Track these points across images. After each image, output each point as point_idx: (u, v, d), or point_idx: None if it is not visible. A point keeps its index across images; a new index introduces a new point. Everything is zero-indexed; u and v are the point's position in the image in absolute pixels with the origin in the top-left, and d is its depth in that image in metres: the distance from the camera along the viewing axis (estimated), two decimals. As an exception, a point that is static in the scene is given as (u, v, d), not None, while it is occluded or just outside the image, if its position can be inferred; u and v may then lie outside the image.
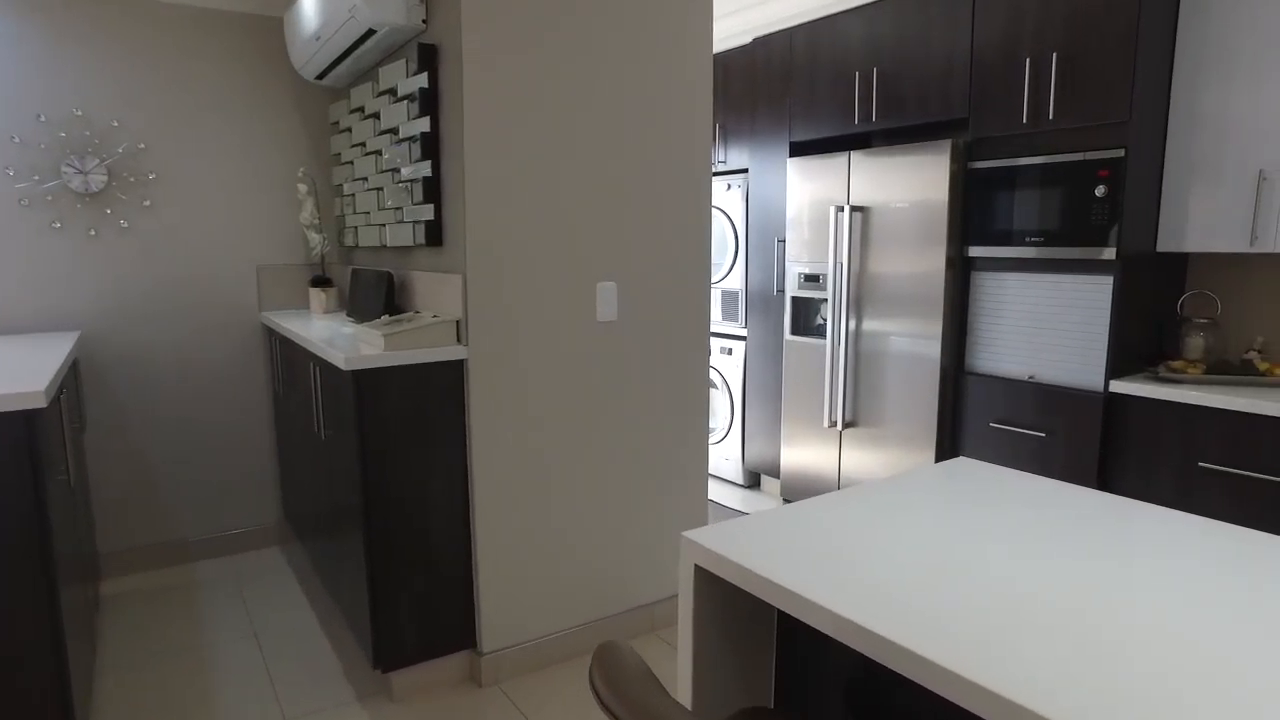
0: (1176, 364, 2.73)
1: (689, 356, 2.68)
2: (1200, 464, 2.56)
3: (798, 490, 3.88)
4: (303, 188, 3.23)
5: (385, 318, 2.36)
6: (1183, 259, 3.02)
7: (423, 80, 2.24)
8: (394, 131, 2.51)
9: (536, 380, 2.34)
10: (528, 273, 2.29)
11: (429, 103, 2.25)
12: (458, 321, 2.23)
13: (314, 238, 3.28)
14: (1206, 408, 2.53)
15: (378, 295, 2.62)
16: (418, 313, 2.39)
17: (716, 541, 1.23)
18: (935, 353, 3.18)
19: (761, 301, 4.10)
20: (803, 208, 3.71)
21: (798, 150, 3.88)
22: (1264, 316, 2.87)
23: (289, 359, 2.97)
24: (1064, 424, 2.87)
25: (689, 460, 2.74)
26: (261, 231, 3.33)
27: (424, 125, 2.27)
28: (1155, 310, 2.92)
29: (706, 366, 2.74)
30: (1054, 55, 2.77)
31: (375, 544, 2.16)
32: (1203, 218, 2.74)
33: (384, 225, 2.67)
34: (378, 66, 2.68)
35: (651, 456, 2.64)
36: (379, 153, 2.65)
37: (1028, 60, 2.86)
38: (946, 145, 3.06)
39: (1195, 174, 2.74)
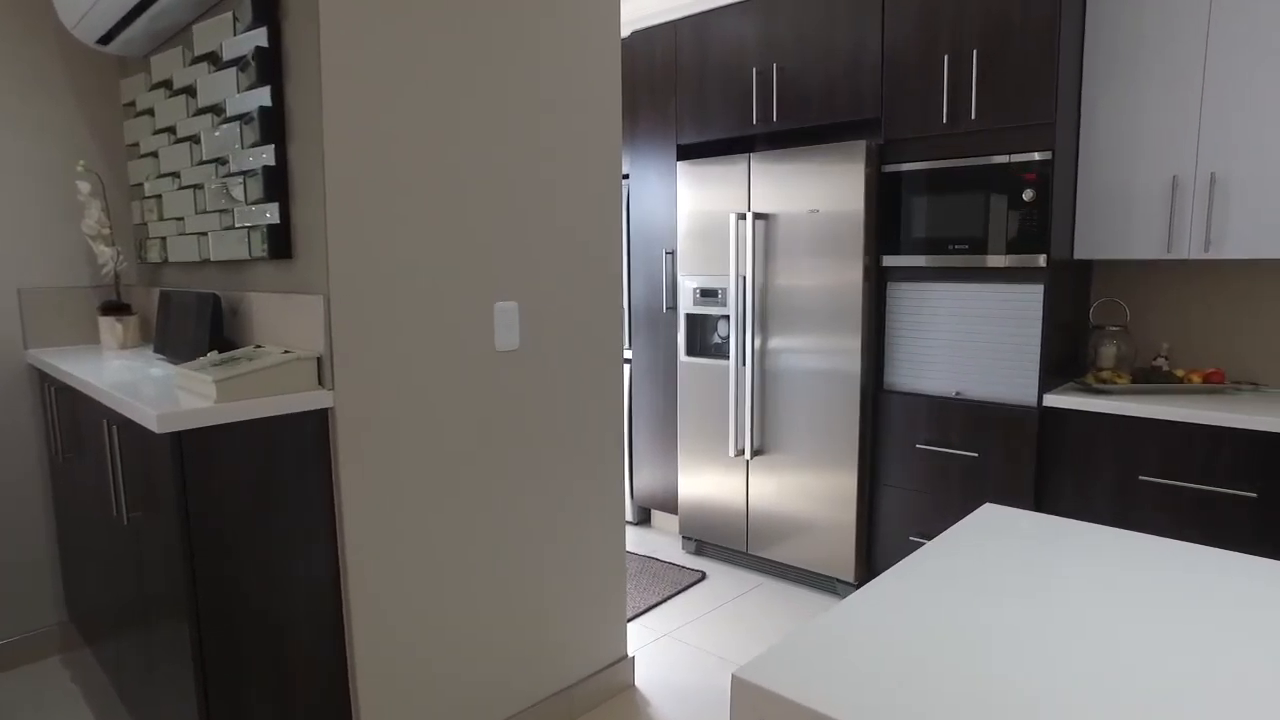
0: (1105, 373, 2.62)
1: (603, 390, 2.25)
2: (1140, 477, 2.44)
3: (699, 526, 3.52)
4: (84, 188, 2.49)
5: (213, 355, 1.76)
6: (1089, 266, 2.95)
7: (260, 37, 1.68)
8: (217, 109, 1.91)
9: (424, 429, 1.82)
10: (410, 291, 1.77)
11: (269, 67, 1.69)
12: (319, 358, 1.67)
13: (103, 252, 2.54)
14: (1143, 419, 2.41)
15: (199, 325, 1.99)
16: (259, 347, 1.81)
17: (788, 683, 0.80)
18: (854, 370, 2.94)
19: (648, 320, 3.73)
20: (696, 216, 3.38)
21: (688, 154, 3.56)
22: (1168, 322, 2.85)
23: (72, 414, 2.24)
24: (996, 442, 2.69)
25: (604, 513, 2.30)
26: (24, 245, 2.55)
27: (263, 97, 1.71)
28: (1071, 319, 2.82)
29: (622, 402, 2.32)
30: (974, 52, 2.61)
31: (209, 659, 1.56)
32: (1119, 225, 2.65)
33: (205, 234, 2.05)
34: (191, 24, 2.05)
35: (562, 512, 2.18)
36: (196, 139, 2.02)
37: (946, 57, 2.68)
38: (860, 147, 2.84)
39: (1110, 180, 2.66)
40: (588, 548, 2.26)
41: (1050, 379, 2.64)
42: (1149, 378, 2.60)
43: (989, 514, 1.40)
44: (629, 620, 2.97)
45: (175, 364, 2.06)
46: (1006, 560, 1.17)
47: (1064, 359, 2.77)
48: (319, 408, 1.66)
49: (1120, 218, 2.65)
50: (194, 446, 1.49)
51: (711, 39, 3.33)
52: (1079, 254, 2.74)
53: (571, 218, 2.11)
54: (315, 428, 1.66)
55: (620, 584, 2.38)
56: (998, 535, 1.28)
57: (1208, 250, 2.50)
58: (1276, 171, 2.39)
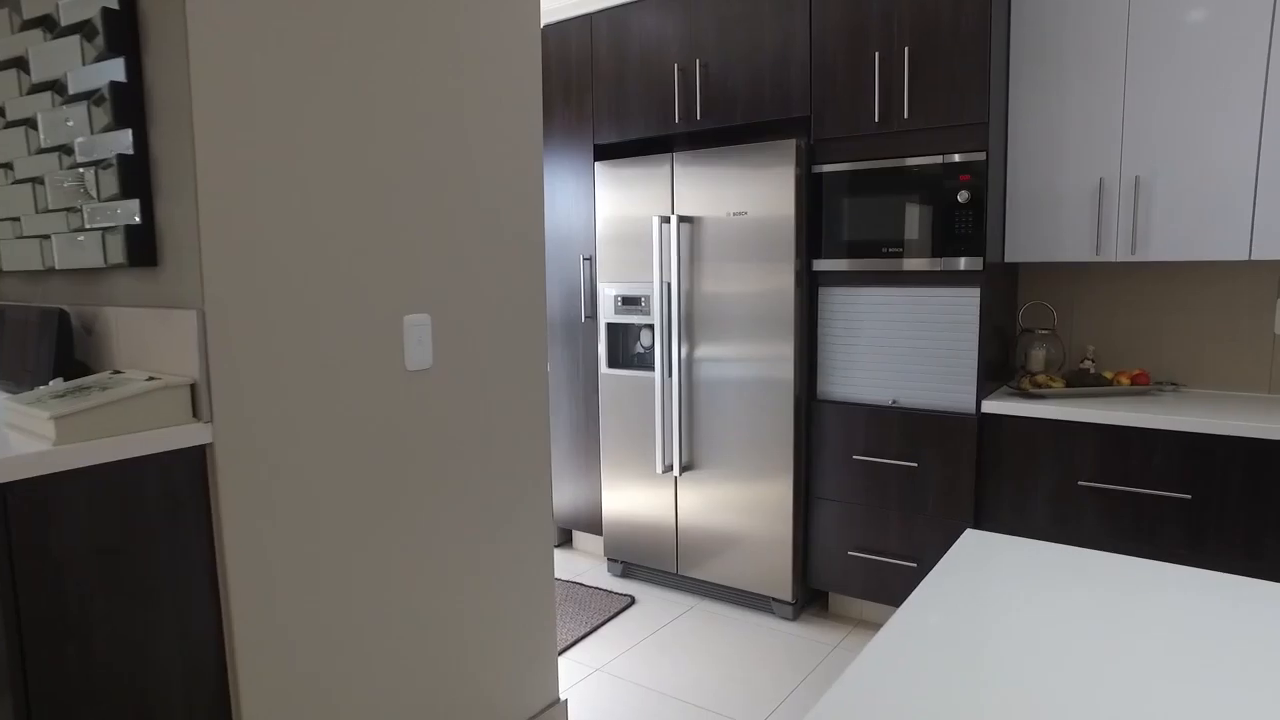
0: (1040, 377, 2.59)
1: (527, 411, 2.02)
2: (1079, 482, 2.40)
3: (626, 547, 3.33)
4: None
5: (56, 384, 1.44)
6: (1015, 269, 2.93)
7: (109, -2, 1.39)
8: (58, 86, 1.59)
9: (325, 463, 1.56)
10: (304, 303, 1.51)
11: (122, 32, 1.39)
12: (192, 385, 1.39)
13: (-77, 261, 2.13)
14: (1081, 423, 2.38)
15: (41, 347, 1.66)
16: (118, 373, 1.50)
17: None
18: (787, 379, 2.81)
19: (565, 330, 3.52)
20: (616, 220, 3.20)
21: (606, 154, 3.37)
22: (1093, 325, 2.85)
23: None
24: (935, 451, 2.62)
25: (531, 545, 2.08)
26: None
27: (115, 70, 1.41)
28: (1000, 323, 2.78)
29: (547, 423, 2.10)
30: (905, 49, 2.53)
31: (54, 775, 1.25)
32: (1048, 227, 2.63)
33: (49, 237, 1.71)
34: (23, -12, 1.71)
35: (486, 546, 1.94)
36: (31, 123, 1.69)
37: (876, 55, 2.59)
38: (789, 146, 2.72)
39: (1039, 182, 2.63)
40: (514, 584, 2.03)
41: (985, 385, 2.58)
42: (1081, 381, 2.58)
43: (975, 544, 1.26)
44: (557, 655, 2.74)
45: (7, 396, 1.71)
46: (1018, 600, 1.02)
47: (996, 364, 2.73)
48: (194, 444, 1.37)
49: (1049, 220, 2.62)
50: (25, 502, 1.19)
51: (630, 33, 3.16)
52: (1009, 257, 2.71)
53: (490, 219, 1.89)
54: (189, 469, 1.38)
55: (550, 622, 2.16)
56: (999, 571, 1.13)
57: (1134, 253, 2.50)
58: (1195, 175, 2.40)
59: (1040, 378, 2.58)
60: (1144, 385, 2.56)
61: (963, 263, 2.51)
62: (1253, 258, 2.35)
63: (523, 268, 1.98)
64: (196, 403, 1.39)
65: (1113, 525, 2.36)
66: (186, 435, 1.36)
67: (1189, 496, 2.26)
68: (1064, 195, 2.59)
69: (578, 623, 2.97)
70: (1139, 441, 2.31)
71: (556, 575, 3.46)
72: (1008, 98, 2.64)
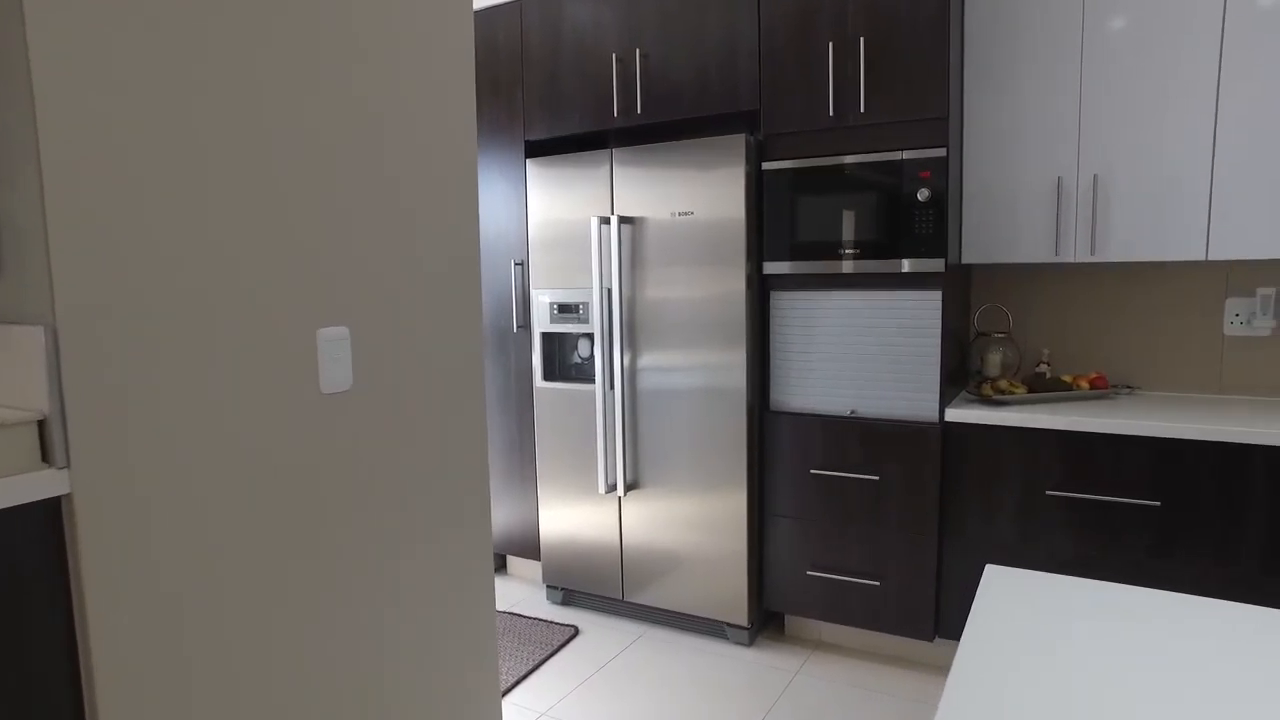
0: (1001, 383, 2.49)
1: (463, 433, 1.78)
2: (1047, 491, 2.30)
3: (566, 573, 3.10)
4: None
5: None
6: (969, 271, 2.84)
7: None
8: None
9: (222, 511, 1.28)
10: (191, 316, 1.23)
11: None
12: (40, 421, 1.10)
13: None
14: (1047, 430, 2.28)
15: None
16: (-57, 406, 1.19)
17: None
18: (738, 389, 2.64)
19: (496, 340, 3.27)
20: (550, 222, 2.97)
21: (538, 150, 3.14)
22: (1047, 327, 2.78)
23: None
24: (897, 463, 2.48)
25: (470, 584, 1.83)
26: None
27: (-68, 24, 1.11)
28: (957, 327, 2.68)
29: (485, 446, 1.86)
30: (861, 40, 2.39)
31: None
32: (1005, 228, 2.54)
33: None
34: None
35: (418, 590, 1.68)
36: None
37: (830, 45, 2.45)
38: (738, 142, 2.55)
39: (996, 181, 2.54)
40: (452, 630, 1.77)
41: (946, 392, 2.46)
42: (1043, 385, 2.50)
43: (1005, 583, 1.10)
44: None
45: None
46: (1079, 642, 0.85)
47: (953, 369, 2.62)
48: (45, 497, 1.08)
49: (1006, 221, 2.53)
50: None
51: (563, 21, 2.94)
52: (966, 258, 2.60)
53: (418, 216, 1.64)
54: (38, 527, 1.09)
55: (491, 665, 1.91)
56: (1046, 612, 0.96)
57: (1094, 253, 2.43)
58: (1152, 174, 2.34)
59: (1002, 383, 2.48)
60: (1103, 389, 2.50)
61: (924, 264, 2.38)
62: (1209, 258, 2.31)
63: (456, 272, 1.73)
64: (47, 443, 1.10)
65: (1082, 535, 2.27)
66: (33, 486, 1.07)
67: (1158, 503, 2.18)
68: (1021, 194, 2.50)
69: (518, 660, 2.72)
70: (1106, 448, 2.22)
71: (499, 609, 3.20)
72: (963, 94, 2.54)
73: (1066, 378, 2.54)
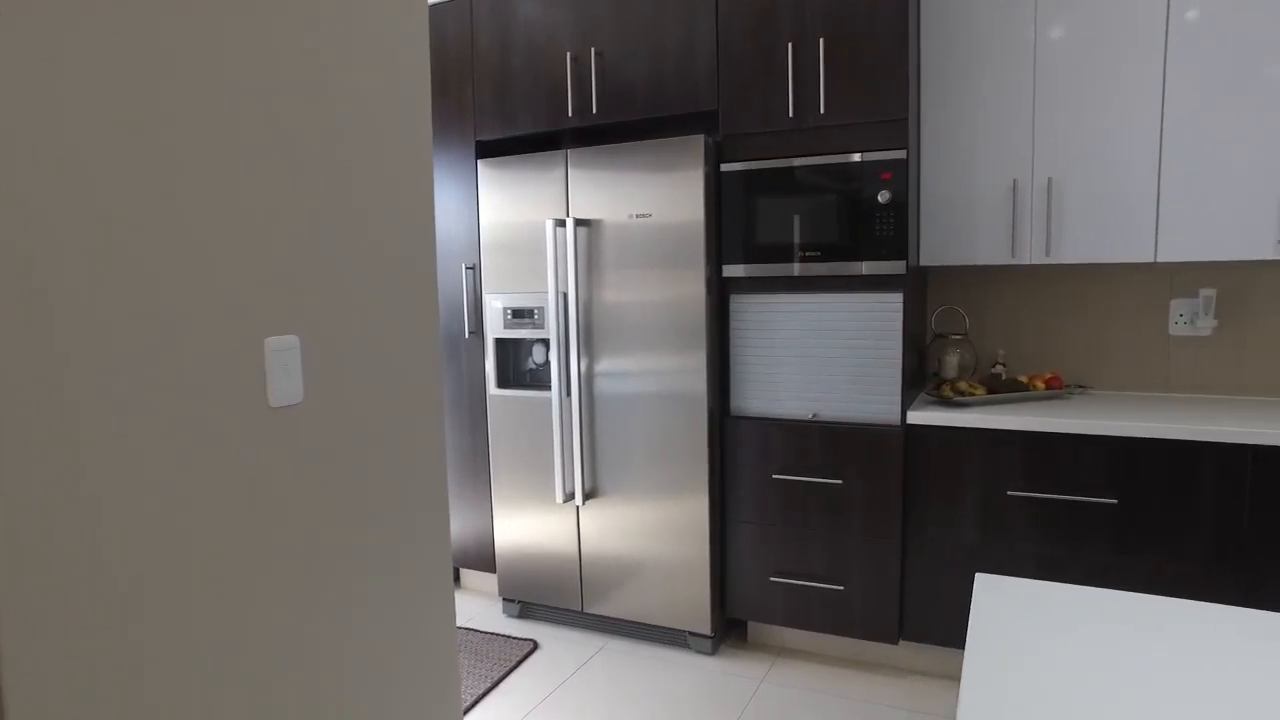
0: (961, 384, 2.50)
1: (422, 447, 1.69)
2: (1008, 492, 2.32)
3: (523, 585, 3.01)
4: None
5: None
6: (924, 273, 2.86)
7: None
8: None
9: (156, 547, 1.17)
10: (117, 323, 1.13)
11: None
12: (-46, 444, 0.98)
13: None
14: (1007, 430, 2.30)
15: None
16: None
17: None
18: (699, 395, 2.60)
19: (447, 347, 3.17)
20: (503, 225, 2.89)
21: (490, 151, 3.05)
22: (1001, 329, 2.82)
23: None
24: (860, 467, 2.47)
25: (430, 608, 1.74)
26: None
27: None
28: (915, 330, 2.69)
29: (444, 458, 1.77)
30: (820, 40, 2.38)
31: None
32: (963, 230, 2.55)
33: None
34: None
35: (379, 621, 1.59)
36: None
37: (790, 45, 2.43)
38: (696, 143, 2.51)
39: (952, 183, 2.55)
40: (412, 652, 1.68)
41: (907, 394, 2.46)
42: (1000, 386, 2.52)
43: (996, 592, 1.07)
44: (454, 723, 2.39)
45: None
46: (1087, 649, 0.82)
47: (912, 372, 2.63)
48: (-42, 529, 0.97)
49: (963, 223, 2.55)
50: None
51: (515, 18, 2.86)
52: (924, 260, 2.61)
53: (372, 217, 1.54)
54: (-48, 564, 0.97)
55: (454, 694, 1.82)
56: (1046, 621, 0.94)
57: (1049, 255, 2.46)
58: (1103, 177, 2.38)
59: (962, 384, 2.49)
60: (1058, 389, 2.53)
61: (885, 266, 2.38)
62: (1158, 259, 2.36)
63: (412, 277, 1.64)
64: (-39, 470, 0.98)
65: (1044, 534, 2.29)
66: (-55, 519, 0.95)
67: (1115, 501, 2.21)
68: (978, 197, 2.52)
69: (476, 678, 2.63)
70: (1066, 447, 2.25)
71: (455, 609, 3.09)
72: (919, 98, 2.55)
73: (1023, 378, 2.57)
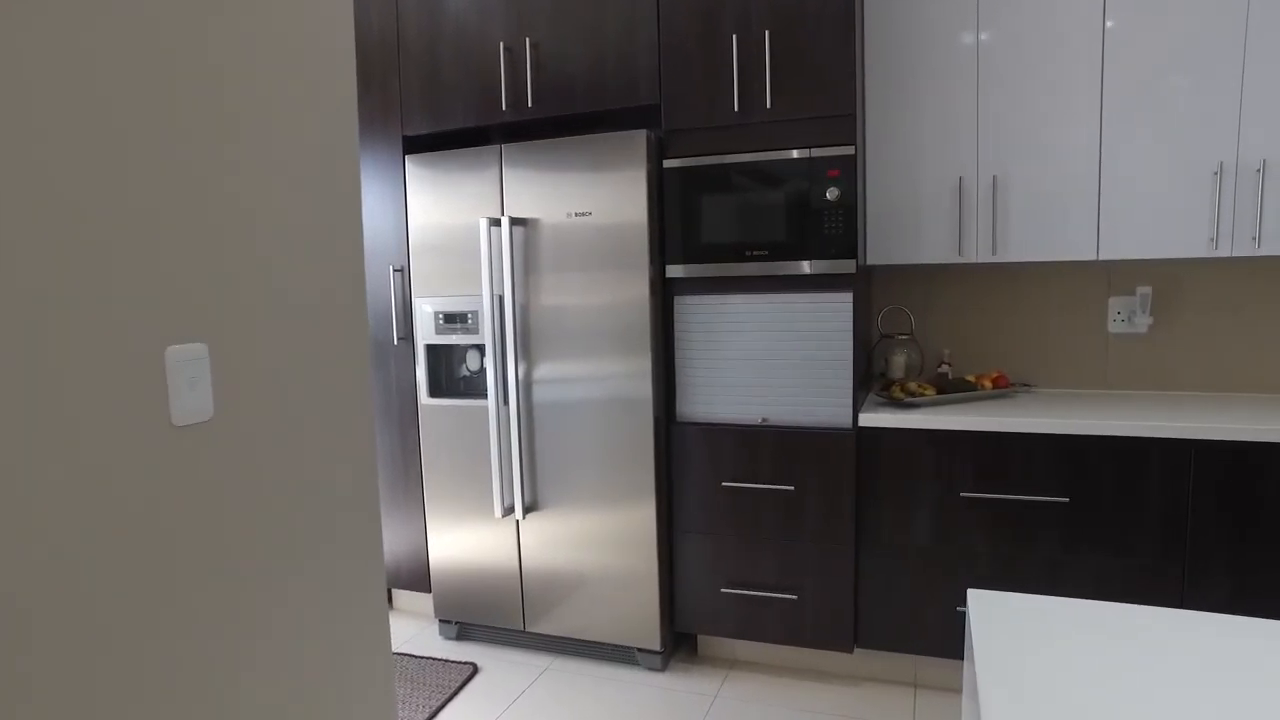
0: (911, 385, 2.46)
1: (350, 464, 1.53)
2: (961, 494, 2.28)
3: (461, 605, 2.85)
4: None
5: None
6: (869, 272, 2.82)
7: None
8: None
9: (35, 592, 1.00)
10: (-8, 334, 0.95)
11: None
12: None
13: None
14: (962, 432, 2.26)
15: None
16: None
17: None
18: (645, 398, 2.49)
19: (375, 354, 2.98)
20: (433, 224, 2.73)
21: (418, 147, 2.89)
22: (946, 328, 2.80)
23: None
24: (811, 472, 2.41)
25: (365, 643, 1.58)
26: None
27: None
28: (861, 330, 2.64)
29: (375, 475, 1.61)
30: (766, 32, 2.30)
31: None
32: (909, 229, 2.52)
33: None
34: None
35: (304, 659, 1.42)
36: None
37: (734, 37, 2.35)
38: (638, 138, 2.41)
39: (897, 182, 2.52)
40: (344, 685, 1.52)
41: (858, 396, 2.41)
42: (950, 385, 2.49)
43: (994, 610, 0.99)
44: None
45: None
46: (1101, 665, 0.75)
47: (861, 373, 2.58)
48: None
49: (909, 221, 2.51)
50: None
51: (444, 6, 2.70)
52: (871, 259, 2.57)
53: (294, 212, 1.38)
54: None
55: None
56: (1050, 637, 0.86)
57: (995, 254, 2.45)
58: (1046, 176, 2.38)
59: (912, 385, 2.46)
60: (1004, 387, 2.52)
61: (834, 266, 2.32)
62: (1100, 258, 2.37)
63: (339, 278, 1.49)
64: None
65: (996, 535, 2.26)
66: None
67: (1067, 500, 2.20)
68: (924, 195, 2.49)
69: (413, 706, 2.45)
70: (1019, 447, 2.22)
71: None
72: (864, 95, 2.51)
73: (970, 377, 2.55)
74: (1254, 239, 2.24)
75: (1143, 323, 2.59)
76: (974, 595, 1.03)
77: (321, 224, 1.44)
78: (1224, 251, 2.26)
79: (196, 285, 1.21)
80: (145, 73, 1.13)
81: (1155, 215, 2.30)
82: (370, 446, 1.57)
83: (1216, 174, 2.25)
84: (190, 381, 1.22)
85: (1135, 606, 1.01)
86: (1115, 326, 2.63)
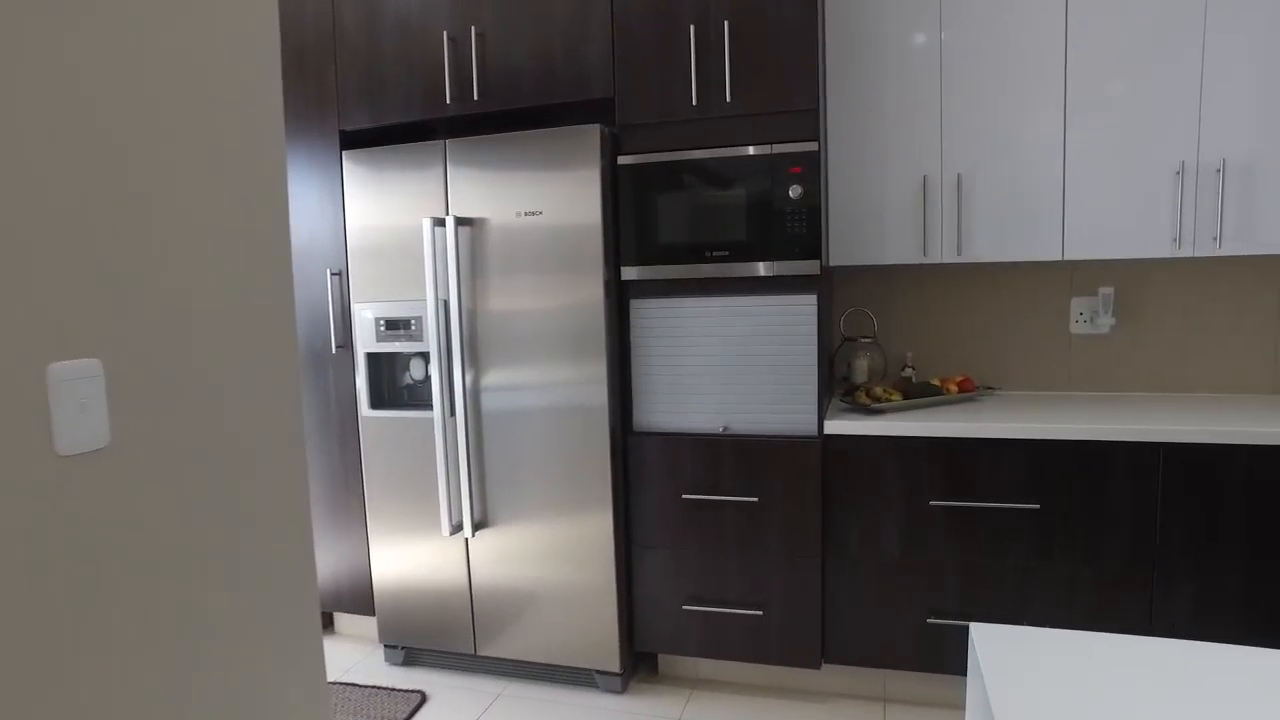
0: (877, 390, 2.38)
1: (278, 487, 1.37)
2: (931, 502, 2.21)
3: (408, 629, 2.68)
4: None
5: None
6: (831, 274, 2.74)
7: None
8: None
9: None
10: None
11: None
12: None
13: None
14: (930, 438, 2.19)
15: None
16: None
17: None
18: (600, 406, 2.37)
19: (311, 363, 2.80)
20: (373, 225, 2.56)
21: (357, 142, 2.71)
22: (909, 331, 2.74)
23: None
24: (776, 482, 2.31)
25: (298, 682, 1.41)
26: None
27: None
28: (825, 333, 2.56)
29: (306, 499, 1.45)
30: (725, 23, 2.20)
31: None
32: (871, 228, 2.45)
33: None
34: None
35: (227, 703, 1.26)
36: None
37: (692, 28, 2.24)
38: (591, 133, 2.28)
39: (860, 181, 2.44)
40: (269, 755, 1.35)
41: (823, 402, 2.32)
42: (916, 390, 2.42)
43: (1000, 645, 0.89)
44: (329, 804, 2.04)
45: None
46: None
47: (824, 378, 2.50)
48: None
49: (873, 221, 2.44)
50: None
51: (381, -9, 2.54)
52: (833, 260, 2.49)
53: (209, 204, 1.22)
54: None
55: (326, 788, 1.50)
56: (1059, 675, 0.77)
57: (960, 254, 2.38)
58: (1011, 175, 2.33)
59: (877, 390, 2.38)
60: (970, 391, 2.46)
61: (798, 267, 2.22)
62: (1065, 257, 2.32)
63: (262, 281, 1.33)
64: None
65: (966, 544, 2.19)
66: None
67: (1037, 506, 2.14)
68: (887, 194, 2.42)
69: (353, 745, 2.28)
70: (989, 453, 2.16)
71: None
72: (826, 93, 2.42)
73: (935, 381, 2.48)
74: (1215, 239, 2.21)
75: (1105, 323, 2.56)
76: (977, 629, 0.94)
77: (241, 222, 1.28)
78: (1186, 252, 2.23)
79: (88, 292, 1.04)
80: (18, 50, 0.96)
81: (1119, 215, 2.26)
82: (301, 466, 1.42)
83: (1178, 173, 2.22)
84: (80, 404, 1.05)
85: (1150, 639, 0.92)
86: (1077, 327, 2.59)
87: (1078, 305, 2.58)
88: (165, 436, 1.15)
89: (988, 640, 0.91)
